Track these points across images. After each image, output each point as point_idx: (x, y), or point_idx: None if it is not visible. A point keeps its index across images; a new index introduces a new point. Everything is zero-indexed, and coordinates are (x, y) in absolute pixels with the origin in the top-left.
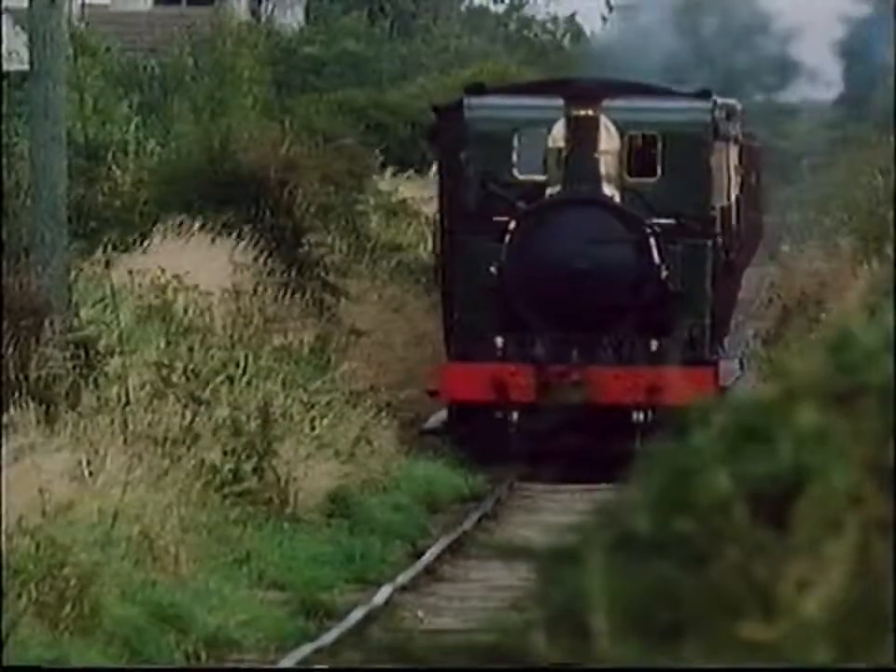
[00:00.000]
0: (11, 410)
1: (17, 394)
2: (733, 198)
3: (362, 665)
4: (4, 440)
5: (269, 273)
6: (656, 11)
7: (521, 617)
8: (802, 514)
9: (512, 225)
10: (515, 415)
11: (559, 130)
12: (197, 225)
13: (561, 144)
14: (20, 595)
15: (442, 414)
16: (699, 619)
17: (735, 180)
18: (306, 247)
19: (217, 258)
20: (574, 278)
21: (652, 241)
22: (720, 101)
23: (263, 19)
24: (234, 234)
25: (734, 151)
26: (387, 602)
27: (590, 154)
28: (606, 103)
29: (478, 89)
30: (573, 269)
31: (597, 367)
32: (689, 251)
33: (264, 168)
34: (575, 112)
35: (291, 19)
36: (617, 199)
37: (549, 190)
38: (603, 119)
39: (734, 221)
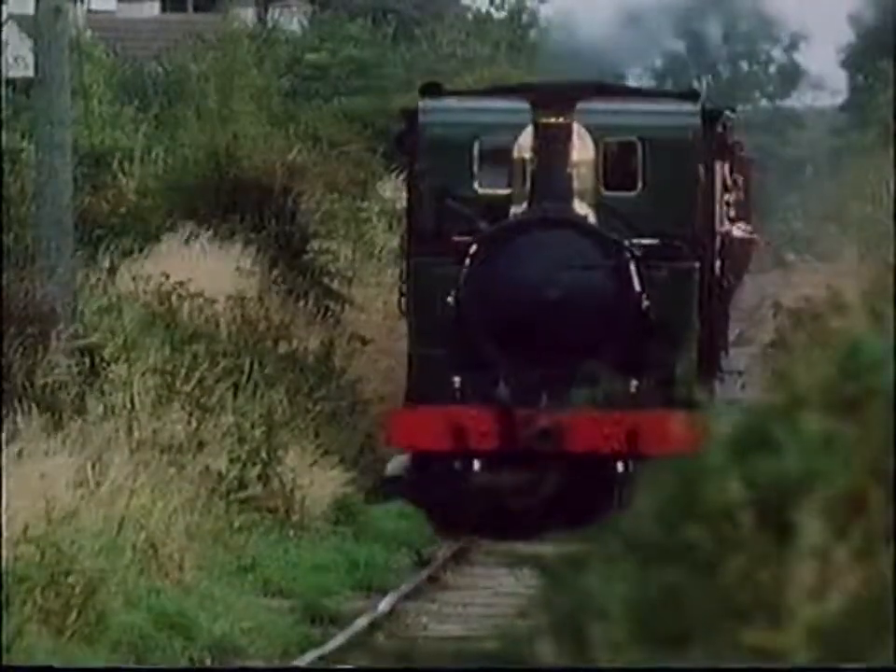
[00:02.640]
0: (17, 417)
1: (22, 401)
2: (723, 214)
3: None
4: (8, 446)
5: (274, 280)
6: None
7: (526, 624)
8: (808, 521)
9: (473, 248)
10: (476, 465)
11: (526, 139)
12: (202, 232)
13: (527, 154)
14: (25, 603)
15: (405, 459)
16: (706, 625)
17: (724, 194)
18: (311, 254)
19: (221, 264)
20: (543, 309)
21: (632, 266)
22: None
23: (270, 25)
24: (239, 241)
25: (723, 161)
26: (392, 610)
27: (561, 167)
28: (579, 106)
29: (434, 90)
30: (542, 299)
31: (570, 411)
32: (674, 276)
33: (269, 175)
34: (544, 119)
35: (297, 26)
36: (591, 218)
37: (514, 208)
38: (576, 127)
39: (724, 240)
